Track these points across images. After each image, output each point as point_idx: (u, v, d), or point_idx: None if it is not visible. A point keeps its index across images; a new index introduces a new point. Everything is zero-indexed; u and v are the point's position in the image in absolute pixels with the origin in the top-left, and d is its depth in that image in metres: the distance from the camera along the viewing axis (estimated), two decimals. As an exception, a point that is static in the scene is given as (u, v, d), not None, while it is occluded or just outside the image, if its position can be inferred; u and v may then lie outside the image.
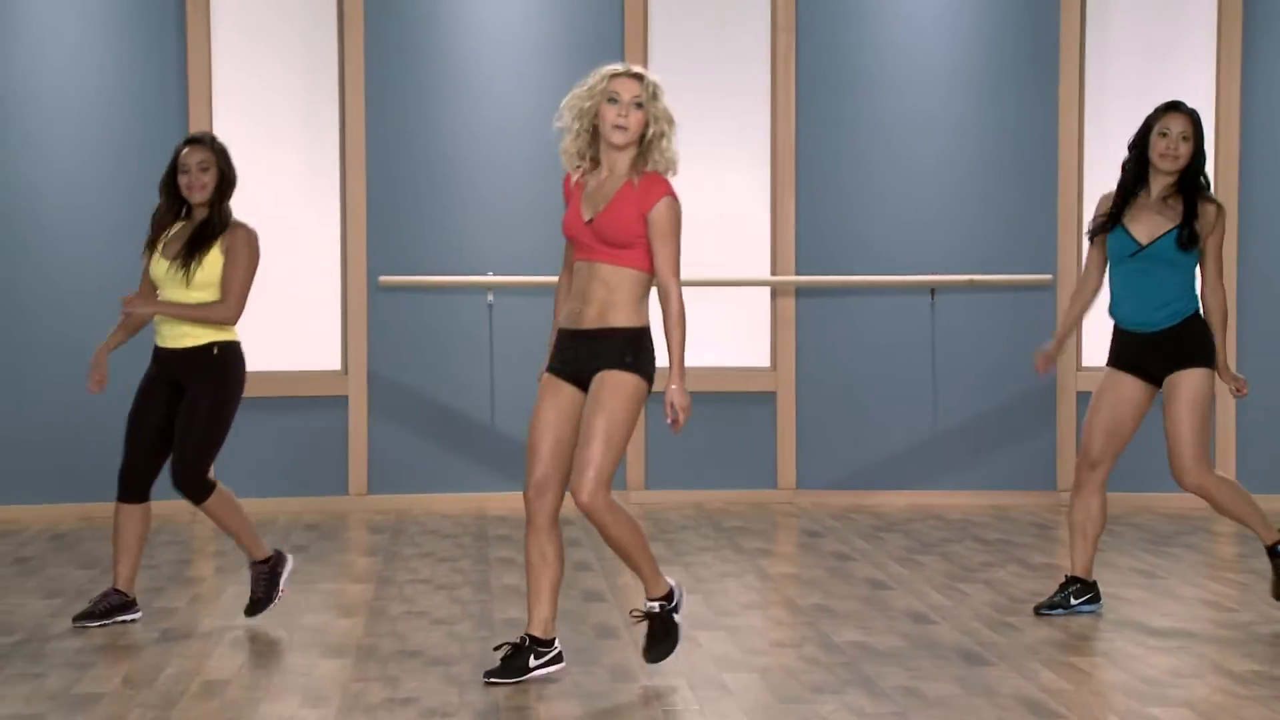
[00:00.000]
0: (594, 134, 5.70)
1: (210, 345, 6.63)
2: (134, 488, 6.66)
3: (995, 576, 7.68)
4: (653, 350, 5.68)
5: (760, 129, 10.23)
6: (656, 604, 5.78)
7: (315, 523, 9.38)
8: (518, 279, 9.98)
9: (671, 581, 5.85)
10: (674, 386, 5.55)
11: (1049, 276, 10.06)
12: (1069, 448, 10.06)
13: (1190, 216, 6.60)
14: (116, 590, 6.70)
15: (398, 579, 7.63)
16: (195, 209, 6.72)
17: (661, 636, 5.78)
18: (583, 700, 5.46)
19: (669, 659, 5.80)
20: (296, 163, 9.97)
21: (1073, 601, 6.80)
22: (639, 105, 5.64)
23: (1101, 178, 9.94)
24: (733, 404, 10.20)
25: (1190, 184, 6.65)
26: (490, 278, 9.96)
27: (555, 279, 9.74)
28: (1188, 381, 6.59)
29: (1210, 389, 6.64)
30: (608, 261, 5.62)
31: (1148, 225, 6.65)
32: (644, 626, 5.84)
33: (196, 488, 6.62)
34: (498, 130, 10.07)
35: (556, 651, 5.78)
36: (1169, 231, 6.62)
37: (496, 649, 5.81)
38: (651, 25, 10.19)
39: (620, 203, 5.63)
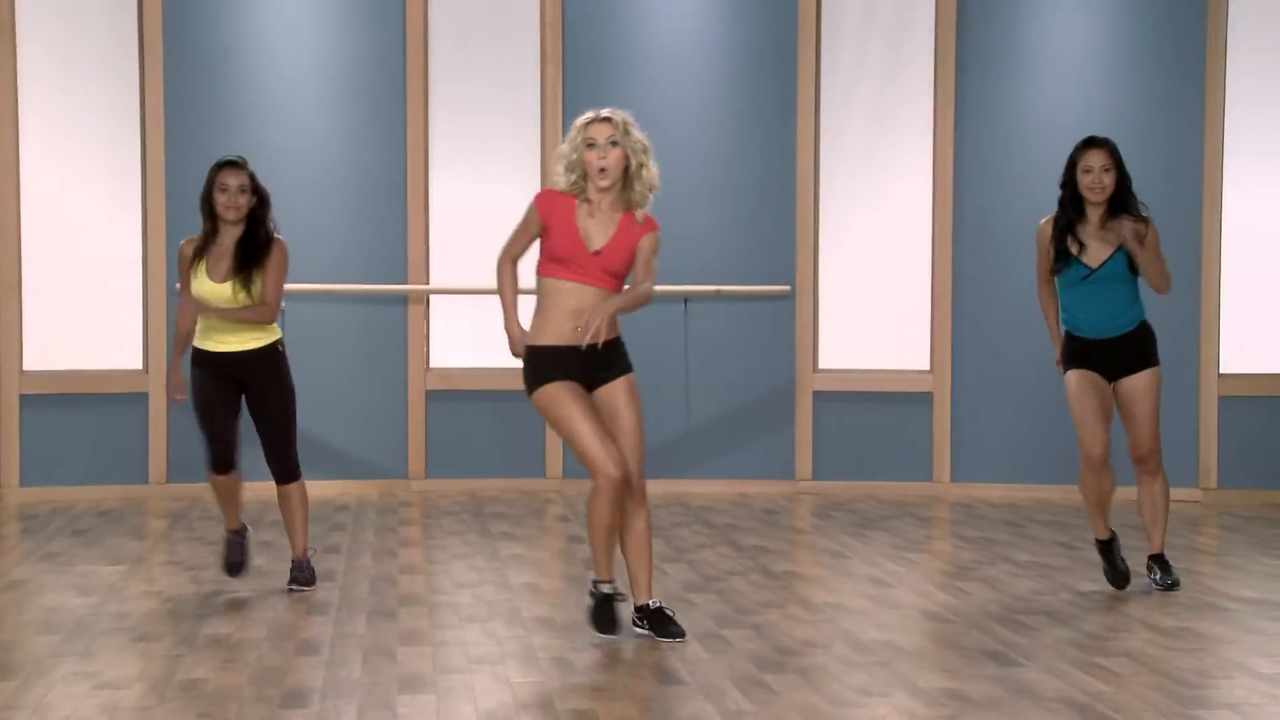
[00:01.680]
0: (585, 176, 6.51)
1: (275, 343, 7.59)
2: (227, 465, 7.60)
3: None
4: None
5: (532, 149, 11.19)
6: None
7: (111, 509, 10.17)
8: (309, 286, 10.82)
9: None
10: (609, 304, 6.40)
11: (788, 287, 11.17)
12: (806, 442, 11.19)
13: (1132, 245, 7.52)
14: (234, 532, 7.75)
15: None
16: (226, 226, 7.49)
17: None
18: (637, 703, 5.68)
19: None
20: (101, 188, 10.74)
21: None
22: (614, 144, 6.48)
23: (836, 198, 11.20)
24: (503, 400, 11.15)
25: (1122, 208, 7.56)
26: (292, 285, 10.79)
27: (341, 286, 10.75)
28: (1148, 380, 7.61)
29: (1159, 384, 7.65)
30: (604, 287, 6.47)
31: (1095, 251, 7.55)
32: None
33: (294, 470, 7.70)
34: (292, 151, 10.94)
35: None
36: (1114, 255, 7.54)
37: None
38: (432, 53, 11.12)
39: (622, 238, 6.50)
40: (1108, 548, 7.83)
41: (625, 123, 6.54)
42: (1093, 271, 7.60)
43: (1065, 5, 11.05)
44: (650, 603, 6.69)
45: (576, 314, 6.45)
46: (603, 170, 6.47)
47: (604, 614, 6.66)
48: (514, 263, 6.73)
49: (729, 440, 11.27)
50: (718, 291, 11.14)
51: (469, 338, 11.20)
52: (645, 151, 6.58)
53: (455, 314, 11.26)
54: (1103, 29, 11.04)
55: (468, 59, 11.19)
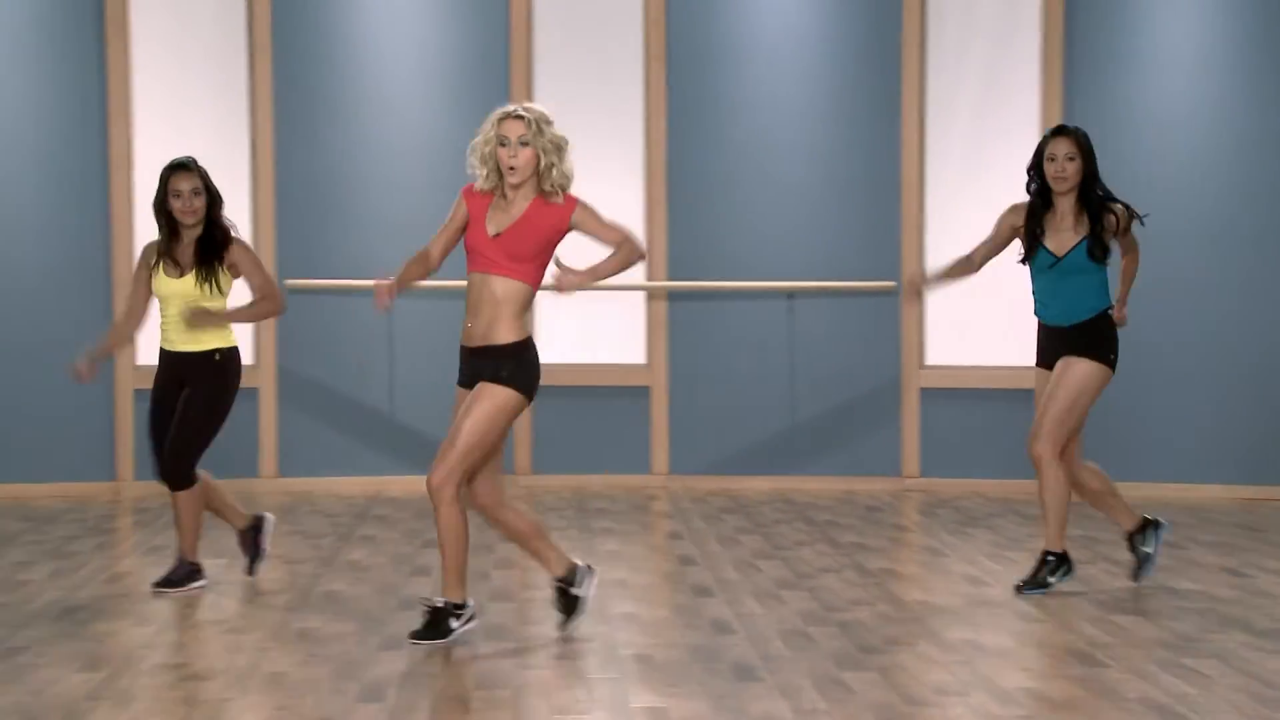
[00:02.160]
0: (500, 172, 6.44)
1: (213, 351, 7.47)
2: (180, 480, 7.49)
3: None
4: (533, 362, 6.42)
5: (635, 148, 11.24)
6: (446, 602, 6.50)
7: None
8: (420, 284, 10.92)
9: (471, 603, 6.54)
10: (579, 268, 6.40)
11: (893, 283, 11.11)
12: (913, 438, 11.13)
13: (1097, 229, 7.53)
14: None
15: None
16: (185, 229, 7.50)
17: (430, 626, 6.45)
18: (711, 700, 5.69)
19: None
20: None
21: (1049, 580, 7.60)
22: (525, 143, 6.38)
23: (940, 193, 11.11)
24: (610, 397, 11.23)
25: (1089, 197, 7.56)
26: (386, 280, 10.89)
27: (451, 283, 10.85)
28: (1078, 368, 7.49)
29: (1096, 382, 7.51)
30: (504, 275, 6.34)
31: (1059, 240, 7.57)
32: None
33: (179, 477, 7.44)
34: (395, 147, 11.05)
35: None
36: (1079, 244, 7.53)
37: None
38: (535, 51, 11.19)
39: (529, 220, 6.38)
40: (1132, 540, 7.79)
41: (539, 121, 6.41)
42: (1057, 260, 7.58)
43: (1177, 2, 10.88)
44: (437, 600, 6.59)
45: (473, 308, 6.41)
46: (512, 169, 6.39)
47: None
48: (434, 251, 6.59)
49: (835, 437, 11.23)
50: (822, 287, 11.09)
51: (573, 334, 11.24)
52: (558, 150, 6.45)
53: (557, 311, 11.27)
54: (1214, 27, 10.84)
55: (571, 57, 11.23)
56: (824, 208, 11.18)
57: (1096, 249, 7.58)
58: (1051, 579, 7.57)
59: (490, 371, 6.37)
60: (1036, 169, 7.69)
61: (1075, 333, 7.59)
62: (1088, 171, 7.61)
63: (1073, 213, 7.63)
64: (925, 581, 7.95)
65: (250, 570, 7.84)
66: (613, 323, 11.29)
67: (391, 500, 10.43)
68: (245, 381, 10.61)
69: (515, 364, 6.37)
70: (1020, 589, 7.54)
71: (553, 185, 6.43)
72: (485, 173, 6.46)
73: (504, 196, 6.47)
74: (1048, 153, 7.63)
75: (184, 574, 7.59)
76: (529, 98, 11.08)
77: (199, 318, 7.43)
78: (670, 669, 6.10)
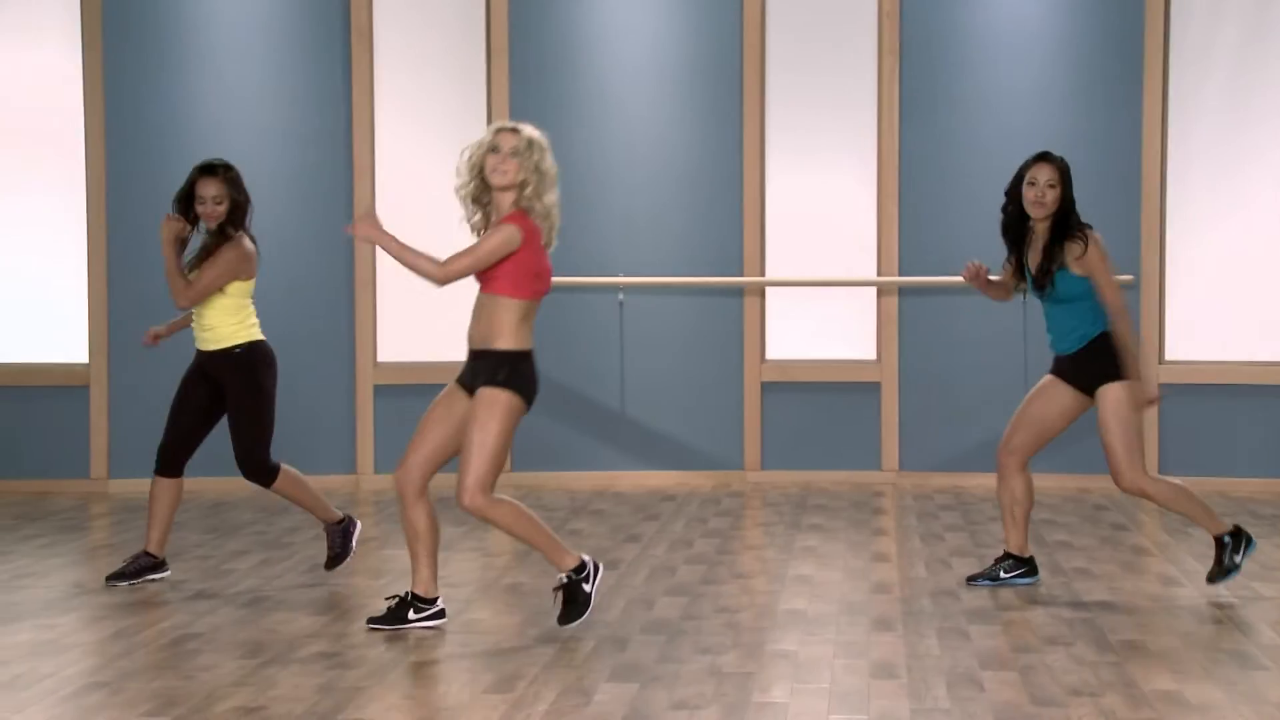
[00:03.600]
0: (485, 183, 6.57)
1: (234, 347, 7.61)
2: (172, 464, 7.63)
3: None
4: (530, 374, 6.50)
5: (868, 141, 11.21)
6: (565, 576, 6.63)
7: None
8: (646, 279, 11.11)
9: (584, 556, 6.67)
10: (377, 226, 6.47)
11: (1131, 276, 10.87)
12: (1152, 434, 10.88)
13: (1048, 261, 7.31)
14: (147, 553, 7.66)
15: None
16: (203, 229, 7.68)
17: (570, 603, 6.58)
18: (1222, 683, 5.76)
19: (580, 622, 6.59)
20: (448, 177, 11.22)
21: (1002, 575, 7.54)
22: (515, 154, 6.51)
23: (1182, 184, 10.85)
24: (841, 393, 11.23)
25: (1058, 229, 7.34)
26: (621, 279, 11.12)
27: (679, 279, 10.97)
28: (1109, 395, 7.30)
29: (1126, 399, 7.29)
30: (487, 291, 6.49)
31: (1037, 270, 7.40)
32: (560, 595, 6.64)
33: (262, 474, 7.64)
34: (630, 144, 11.23)
35: (439, 609, 6.68)
36: (1057, 274, 7.32)
37: (387, 599, 6.76)
38: (769, 46, 11.24)
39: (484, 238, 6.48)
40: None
41: (532, 142, 6.53)
42: (1042, 290, 7.37)
43: None
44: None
45: (474, 317, 6.55)
46: (502, 172, 6.46)
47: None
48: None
49: (1068, 433, 11.00)
50: (1055, 282, 10.90)
51: (804, 329, 11.28)
52: (541, 176, 6.51)
53: (790, 306, 11.34)
54: None
55: (804, 51, 11.26)
56: (1059, 200, 10.99)
57: (1045, 281, 7.33)
58: (1238, 558, 7.40)
59: (487, 375, 6.49)
60: (1013, 193, 7.47)
61: (1085, 360, 7.38)
62: (1067, 199, 7.39)
63: (1046, 240, 7.40)
64: (1116, 580, 7.78)
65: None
66: (843, 318, 11.28)
67: (620, 494, 10.61)
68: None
69: (511, 370, 6.48)
70: (1211, 579, 7.41)
71: (527, 204, 6.51)
72: (467, 179, 6.58)
73: (486, 218, 6.62)
74: (1028, 177, 7.41)
75: (339, 537, 7.82)
76: (761, 90, 11.16)
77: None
78: (816, 665, 6.12)
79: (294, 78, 11.09)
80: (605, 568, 7.97)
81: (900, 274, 11.16)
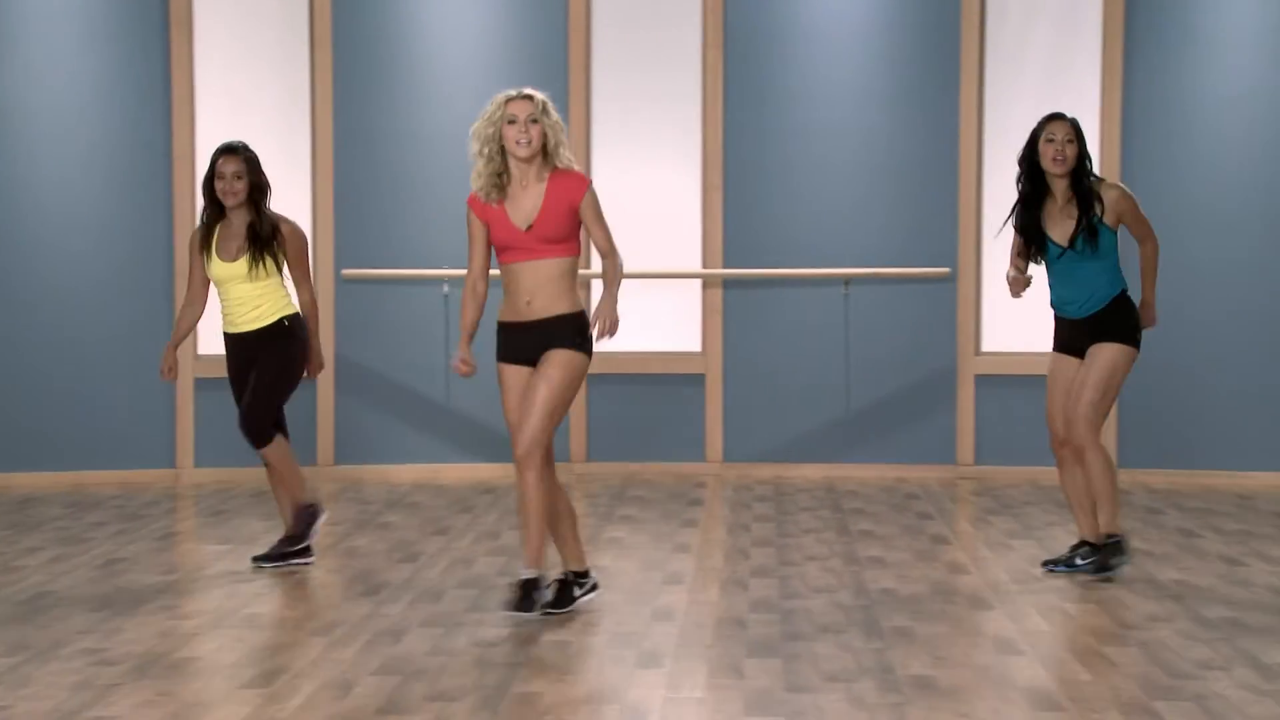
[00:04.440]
0: (504, 155, 6.64)
1: (281, 320, 7.82)
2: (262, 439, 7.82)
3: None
4: (587, 326, 6.61)
5: (692, 134, 11.28)
6: (569, 573, 6.86)
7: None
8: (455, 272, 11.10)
9: (592, 572, 6.95)
10: (610, 300, 6.46)
11: (947, 270, 11.01)
12: (968, 425, 11.03)
13: (1085, 216, 7.43)
14: (302, 504, 7.91)
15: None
16: (231, 211, 7.81)
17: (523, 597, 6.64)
18: (974, 670, 5.92)
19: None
20: (269, 167, 11.16)
21: (1078, 561, 7.59)
22: (534, 121, 6.58)
23: (999, 180, 10.97)
24: (665, 384, 11.28)
25: (1081, 184, 7.46)
26: (446, 271, 11.11)
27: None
28: (1105, 352, 7.43)
29: (1124, 365, 7.44)
30: (548, 257, 6.56)
31: (1062, 228, 7.50)
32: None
33: (258, 434, 7.78)
34: (453, 138, 11.15)
35: (594, 581, 6.92)
36: (1082, 230, 7.45)
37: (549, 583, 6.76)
38: (594, 38, 11.27)
39: (554, 200, 6.56)
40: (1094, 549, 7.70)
41: (545, 103, 6.64)
42: (1064, 250, 7.48)
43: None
44: (564, 574, 6.91)
45: (528, 291, 6.60)
46: (524, 143, 6.55)
47: (522, 597, 6.67)
48: (477, 282, 6.80)
49: (889, 424, 11.15)
50: (876, 274, 11.03)
51: (629, 321, 11.26)
52: (562, 131, 6.66)
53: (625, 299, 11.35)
54: (1274, 4, 10.61)
55: (629, 45, 11.29)
56: (880, 194, 11.12)
57: (1085, 235, 7.46)
58: (1115, 561, 7.52)
59: (560, 339, 6.58)
60: (1029, 158, 7.58)
61: (1095, 321, 7.51)
62: (1083, 154, 7.52)
63: (1069, 199, 7.54)
64: (1180, 561, 7.82)
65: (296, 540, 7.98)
66: (668, 310, 11.34)
67: (441, 487, 10.62)
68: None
69: (581, 330, 6.62)
70: (1100, 570, 7.50)
71: (565, 162, 6.65)
72: (488, 154, 6.61)
73: (503, 189, 6.64)
74: (1046, 134, 7.53)
75: (307, 517, 7.91)
76: (587, 83, 11.19)
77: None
78: (934, 643, 6.19)
79: (109, 66, 10.97)
80: (405, 560, 8.00)
81: (725, 266, 11.23)
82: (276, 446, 7.82)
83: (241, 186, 7.77)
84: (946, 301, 11.06)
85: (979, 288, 11.05)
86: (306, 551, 7.92)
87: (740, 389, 11.27)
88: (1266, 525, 9.10)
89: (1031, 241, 7.59)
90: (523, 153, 6.58)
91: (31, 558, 8.22)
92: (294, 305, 7.90)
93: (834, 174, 11.16)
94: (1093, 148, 10.80)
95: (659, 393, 11.32)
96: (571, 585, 6.90)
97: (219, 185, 7.78)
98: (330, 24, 11.12)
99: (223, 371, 10.80)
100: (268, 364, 7.78)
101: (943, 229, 11.07)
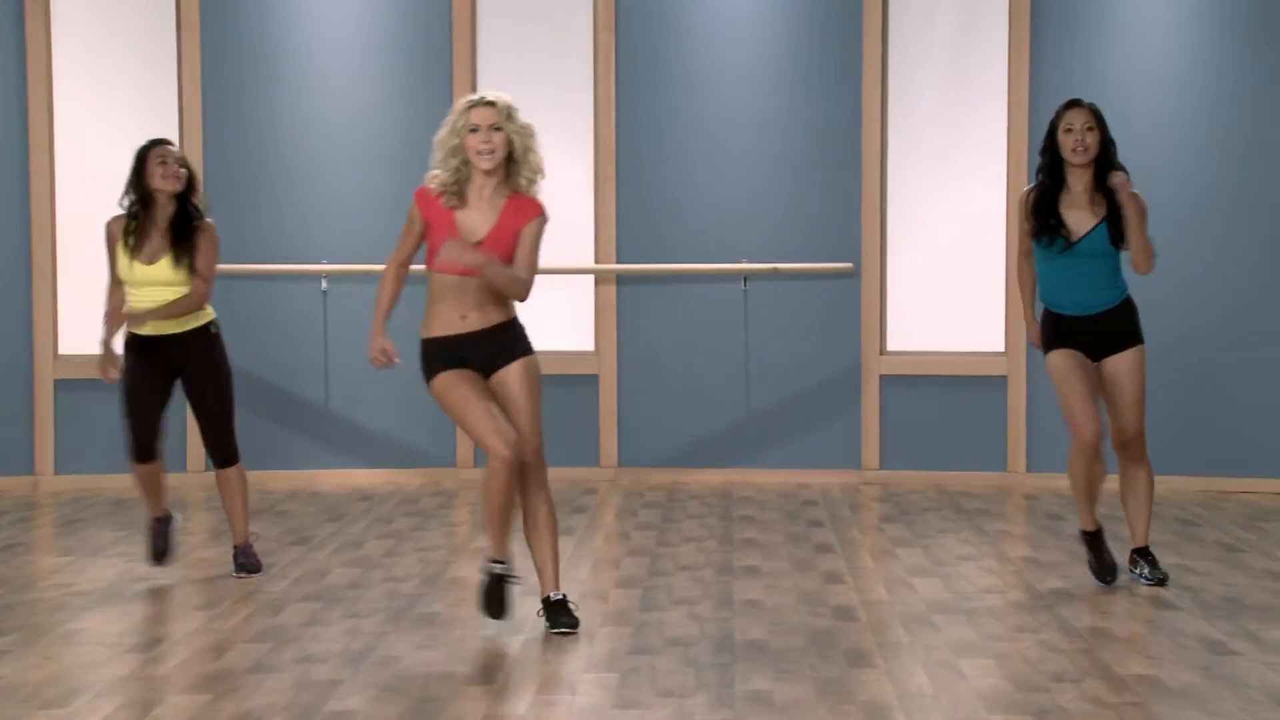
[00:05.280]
0: (468, 165, 6.66)
1: (208, 324, 7.90)
2: (149, 454, 7.86)
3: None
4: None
5: (584, 122, 11.27)
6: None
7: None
8: (351, 267, 11.08)
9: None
10: (489, 264, 6.51)
11: (850, 265, 11.03)
12: (873, 428, 11.04)
13: (1116, 213, 7.41)
14: (157, 519, 7.98)
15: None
16: (159, 205, 7.80)
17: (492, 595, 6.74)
18: (816, 684, 5.93)
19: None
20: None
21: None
22: (497, 129, 6.61)
23: (902, 171, 11.02)
24: (557, 385, 11.24)
25: (1106, 174, 7.43)
26: (324, 266, 11.08)
27: (383, 267, 10.97)
28: (1132, 359, 7.47)
29: (1144, 363, 7.51)
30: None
31: (1076, 221, 7.45)
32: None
33: (231, 453, 7.95)
34: (331, 125, 11.19)
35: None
36: (1097, 226, 7.42)
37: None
38: (480, 22, 11.26)
39: (507, 221, 6.64)
40: (1095, 540, 7.72)
41: (509, 107, 6.67)
42: (1072, 244, 7.46)
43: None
44: (552, 595, 6.82)
45: (465, 306, 6.66)
46: (488, 153, 6.59)
47: (493, 595, 6.72)
48: (400, 266, 6.90)
49: (791, 427, 11.16)
50: (774, 269, 11.04)
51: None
52: (530, 134, 6.70)
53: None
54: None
55: (517, 26, 11.28)
56: (780, 185, 11.14)
57: (1116, 231, 7.46)
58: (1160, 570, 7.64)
59: (512, 347, 6.73)
60: (1049, 146, 7.57)
61: (1110, 324, 7.50)
62: (1106, 141, 7.51)
63: (1088, 190, 7.51)
64: (1179, 548, 7.91)
65: (159, 559, 8.05)
66: (560, 308, 11.32)
67: (316, 494, 10.59)
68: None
69: (524, 334, 6.81)
70: (1157, 582, 7.57)
71: (527, 176, 6.69)
72: (454, 164, 6.65)
73: (462, 197, 6.66)
74: (1064, 124, 7.52)
75: (253, 559, 8.04)
76: (473, 69, 11.17)
77: (132, 319, 7.81)
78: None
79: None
80: (264, 570, 7.98)
81: (618, 261, 11.23)
82: (240, 471, 8.00)
83: (184, 173, 7.85)
84: (850, 298, 11.08)
85: (884, 284, 11.07)
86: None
87: (635, 390, 11.27)
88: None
89: (1044, 232, 7.52)
90: (485, 164, 6.62)
91: None
92: (211, 309, 7.97)
93: (732, 163, 11.17)
94: (998, 134, 10.87)
95: (550, 394, 11.19)
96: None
97: (160, 171, 7.79)
98: (198, 5, 11.06)
99: (84, 373, 10.92)
100: (209, 379, 7.89)
101: (846, 222, 11.09)
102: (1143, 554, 7.68)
